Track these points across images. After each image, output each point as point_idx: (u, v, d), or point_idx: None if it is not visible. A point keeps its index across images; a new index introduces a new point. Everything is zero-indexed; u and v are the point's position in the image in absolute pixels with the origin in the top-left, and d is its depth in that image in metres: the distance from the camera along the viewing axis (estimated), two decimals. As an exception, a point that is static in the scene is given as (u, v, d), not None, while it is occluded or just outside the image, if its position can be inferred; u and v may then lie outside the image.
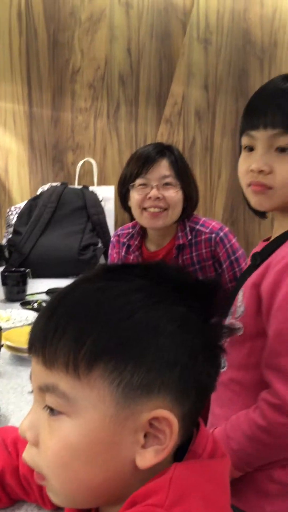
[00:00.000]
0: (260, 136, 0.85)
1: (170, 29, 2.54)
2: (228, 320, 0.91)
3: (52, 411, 0.47)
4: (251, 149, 0.87)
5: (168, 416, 0.46)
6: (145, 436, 0.46)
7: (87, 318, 0.46)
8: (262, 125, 0.84)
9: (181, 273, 0.52)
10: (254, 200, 0.88)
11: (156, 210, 1.57)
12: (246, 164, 0.87)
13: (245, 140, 0.88)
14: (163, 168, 1.57)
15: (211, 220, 1.70)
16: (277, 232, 0.93)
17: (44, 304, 1.68)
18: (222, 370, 0.90)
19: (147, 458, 0.46)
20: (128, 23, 2.53)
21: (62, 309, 0.48)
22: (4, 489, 0.64)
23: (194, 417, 0.50)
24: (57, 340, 0.46)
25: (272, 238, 0.94)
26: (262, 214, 0.97)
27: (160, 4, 2.53)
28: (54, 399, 0.46)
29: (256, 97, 0.88)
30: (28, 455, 0.49)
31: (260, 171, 0.84)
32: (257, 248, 0.95)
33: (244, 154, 0.89)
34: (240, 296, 0.90)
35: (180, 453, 0.49)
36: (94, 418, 0.45)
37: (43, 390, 0.48)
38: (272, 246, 0.89)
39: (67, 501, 0.49)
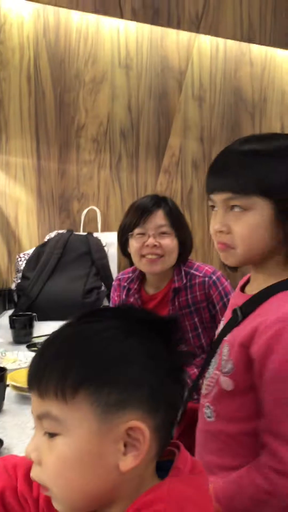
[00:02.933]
0: (216, 199, 0.91)
1: (167, 88, 2.75)
2: (212, 371, 0.96)
3: (50, 435, 0.58)
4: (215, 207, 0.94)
5: (140, 426, 0.56)
6: (125, 445, 0.57)
7: (69, 355, 0.58)
8: (216, 189, 0.90)
9: (146, 312, 0.65)
10: (221, 256, 0.95)
11: (154, 256, 1.68)
12: (212, 223, 0.94)
13: (210, 201, 0.95)
14: (159, 218, 1.69)
15: (204, 264, 1.81)
16: (253, 285, 0.96)
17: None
18: (210, 420, 0.95)
19: (127, 463, 0.56)
20: (128, 83, 2.74)
21: (50, 350, 0.60)
22: (5, 507, 0.74)
23: (167, 429, 0.61)
24: (48, 374, 0.58)
25: (250, 292, 0.96)
26: (232, 268, 1.02)
27: (158, 65, 2.75)
28: (48, 423, 0.57)
29: (214, 160, 0.94)
30: (34, 473, 0.60)
31: (220, 231, 0.91)
32: (237, 301, 0.97)
33: (212, 213, 0.95)
34: (225, 350, 0.92)
35: (162, 471, 0.60)
36: (81, 433, 0.56)
37: (40, 417, 0.59)
38: (254, 303, 0.91)
39: (68, 507, 0.59)
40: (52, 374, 0.57)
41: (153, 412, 0.58)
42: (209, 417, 0.95)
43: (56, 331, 0.63)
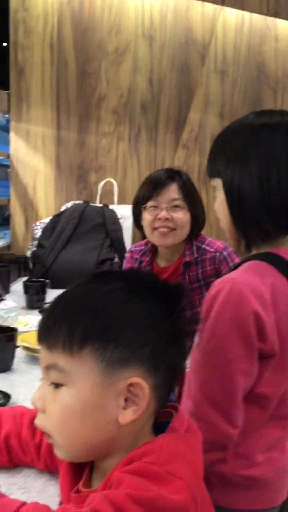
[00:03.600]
0: (214, 184, 0.98)
1: (190, 60, 2.72)
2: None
3: (55, 385, 0.62)
4: None
5: (140, 382, 0.60)
6: (125, 400, 0.61)
7: (77, 312, 0.62)
8: (208, 173, 0.99)
9: (152, 276, 0.68)
10: None
11: (165, 230, 1.70)
12: None
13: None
14: (172, 191, 1.71)
15: (216, 240, 1.82)
16: None
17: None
18: (187, 371, 0.99)
19: (126, 416, 0.60)
20: (151, 54, 2.72)
21: (60, 307, 0.64)
22: (9, 450, 0.79)
23: (165, 390, 0.64)
24: (57, 329, 0.61)
25: None
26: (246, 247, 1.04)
27: (181, 37, 2.72)
28: (55, 374, 0.61)
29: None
30: (39, 420, 0.64)
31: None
32: None
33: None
34: None
35: (159, 431, 0.63)
36: (85, 385, 0.60)
37: (47, 368, 0.62)
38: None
39: (67, 454, 0.64)
40: (60, 328, 0.61)
41: (153, 371, 0.61)
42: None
43: (67, 289, 0.66)
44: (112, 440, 0.62)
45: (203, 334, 0.88)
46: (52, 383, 0.62)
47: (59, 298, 0.66)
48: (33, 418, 0.77)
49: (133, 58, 2.72)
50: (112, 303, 0.62)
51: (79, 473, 0.67)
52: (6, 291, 2.18)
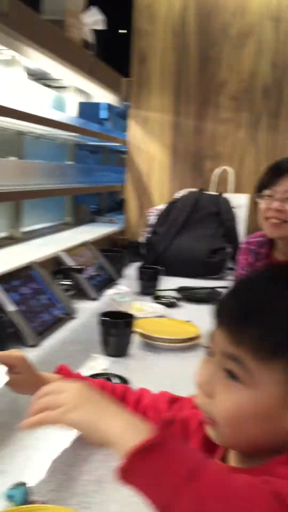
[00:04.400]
0: None
1: None
2: None
3: (231, 375, 0.57)
4: None
5: None
6: None
7: (273, 316, 0.56)
8: None
9: None
10: None
11: (277, 221, 1.63)
12: None
13: None
14: (289, 182, 1.63)
15: None
16: None
17: (175, 298, 1.85)
18: None
19: None
20: (276, 37, 2.59)
21: (252, 300, 0.58)
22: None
23: None
24: (245, 324, 0.56)
25: None
26: None
27: (311, 17, 2.55)
28: (235, 366, 0.56)
29: None
30: (202, 402, 0.61)
31: None
32: None
33: None
34: None
35: None
36: (267, 395, 0.56)
37: (227, 356, 0.57)
38: None
39: (226, 442, 0.62)
40: (251, 326, 0.56)
41: None
42: None
43: (255, 276, 0.63)
44: (277, 440, 0.59)
45: None
46: (228, 371, 0.58)
47: (248, 287, 0.61)
48: (171, 398, 0.80)
49: (257, 40, 2.61)
50: None
51: (212, 447, 0.65)
52: (120, 275, 2.24)
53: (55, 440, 0.87)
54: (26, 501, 0.67)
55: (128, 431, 0.53)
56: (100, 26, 2.20)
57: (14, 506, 0.67)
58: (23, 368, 0.80)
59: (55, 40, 1.85)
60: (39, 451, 0.85)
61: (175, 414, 0.77)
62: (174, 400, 0.81)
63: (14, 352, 0.83)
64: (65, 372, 0.87)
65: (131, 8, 2.66)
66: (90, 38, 2.23)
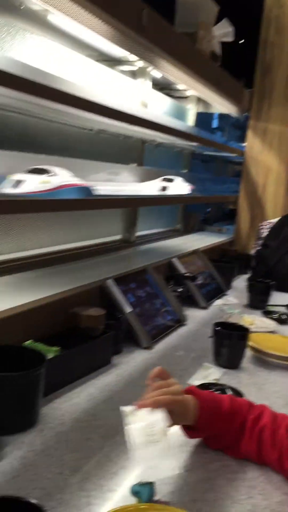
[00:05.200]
0: None
1: None
2: None
3: None
4: None
5: None
6: None
7: None
8: None
9: None
10: None
11: None
12: None
13: None
14: None
15: None
16: None
17: (286, 315, 1.80)
18: None
19: None
20: None
21: None
22: (259, 442, 0.82)
23: None
24: None
25: None
26: None
27: None
28: None
29: None
30: None
31: None
32: None
33: None
34: None
35: None
36: None
37: None
38: None
39: None
40: None
41: None
42: None
43: None
44: None
45: None
46: None
47: None
48: None
49: None
50: None
51: None
52: (228, 286, 2.22)
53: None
54: (150, 499, 0.69)
55: None
56: (230, 38, 2.21)
57: (138, 502, 0.69)
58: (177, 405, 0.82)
59: (186, 52, 1.90)
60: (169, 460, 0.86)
61: None
62: None
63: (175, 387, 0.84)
64: (196, 393, 0.88)
65: (259, 19, 2.64)
66: (218, 50, 2.25)
